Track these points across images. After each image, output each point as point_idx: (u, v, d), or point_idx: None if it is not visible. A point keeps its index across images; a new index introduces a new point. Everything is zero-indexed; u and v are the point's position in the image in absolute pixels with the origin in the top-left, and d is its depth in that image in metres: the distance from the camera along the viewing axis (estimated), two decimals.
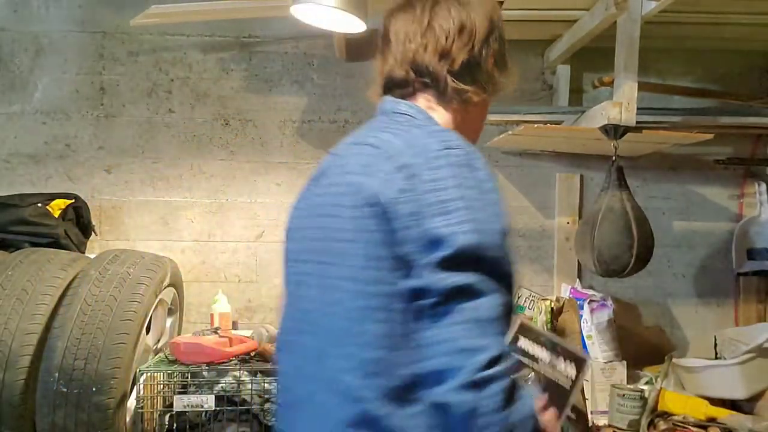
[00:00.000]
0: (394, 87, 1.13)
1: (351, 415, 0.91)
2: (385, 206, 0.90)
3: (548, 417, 1.01)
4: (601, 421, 2.20)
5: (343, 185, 0.98)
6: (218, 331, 2.21)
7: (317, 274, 1.01)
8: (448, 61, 1.07)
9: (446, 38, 1.06)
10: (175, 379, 2.08)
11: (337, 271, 0.96)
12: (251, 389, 2.03)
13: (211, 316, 2.45)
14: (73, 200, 2.54)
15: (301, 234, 1.13)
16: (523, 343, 1.31)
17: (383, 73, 1.14)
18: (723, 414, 2.07)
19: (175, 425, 2.06)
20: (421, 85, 1.10)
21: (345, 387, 0.93)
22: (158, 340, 2.40)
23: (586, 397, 2.19)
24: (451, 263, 0.86)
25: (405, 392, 0.90)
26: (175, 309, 2.53)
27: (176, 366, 2.06)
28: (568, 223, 2.77)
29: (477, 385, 0.83)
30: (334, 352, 0.96)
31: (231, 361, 2.06)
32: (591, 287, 2.67)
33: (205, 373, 2.04)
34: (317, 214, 1.05)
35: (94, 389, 1.88)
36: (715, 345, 2.59)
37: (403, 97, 1.11)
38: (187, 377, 2.05)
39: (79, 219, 2.57)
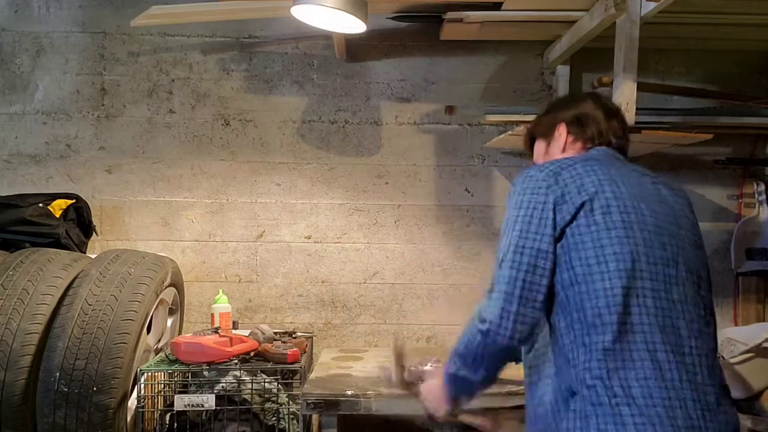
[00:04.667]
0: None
1: None
2: None
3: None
4: None
5: None
6: (219, 331, 2.22)
7: None
8: None
9: None
10: (175, 379, 2.09)
11: None
12: (251, 389, 2.04)
13: (212, 315, 2.45)
14: (74, 200, 2.54)
15: None
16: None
17: None
18: None
19: (175, 424, 2.06)
20: None
21: None
22: (159, 340, 2.40)
23: None
24: None
25: None
26: (176, 309, 2.53)
27: (177, 365, 2.06)
28: None
29: None
30: None
31: (231, 360, 2.07)
32: None
33: (205, 373, 2.05)
34: None
35: (94, 389, 1.89)
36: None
37: None
38: (188, 377, 2.05)
39: (80, 219, 2.58)
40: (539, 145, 1.51)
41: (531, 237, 1.20)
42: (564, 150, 1.42)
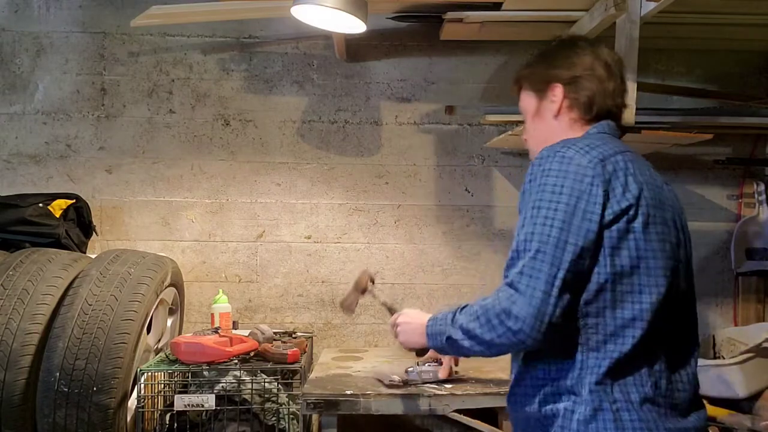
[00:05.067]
0: None
1: None
2: None
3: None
4: None
5: None
6: (219, 331, 2.22)
7: None
8: None
9: None
10: (175, 379, 2.09)
11: None
12: (251, 389, 2.04)
13: (212, 315, 2.45)
14: (74, 200, 2.55)
15: None
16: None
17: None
18: (722, 414, 2.08)
19: (175, 424, 2.06)
20: None
21: None
22: (159, 340, 2.40)
23: None
24: None
25: None
26: (176, 309, 2.53)
27: (177, 365, 2.06)
28: None
29: None
30: None
31: (231, 360, 2.06)
32: None
33: (205, 373, 2.05)
34: None
35: (94, 389, 1.89)
36: (714, 345, 2.60)
37: None
38: (188, 377, 2.05)
39: (80, 219, 2.58)
40: (528, 99, 1.38)
41: (575, 232, 1.09)
42: (558, 114, 1.30)
